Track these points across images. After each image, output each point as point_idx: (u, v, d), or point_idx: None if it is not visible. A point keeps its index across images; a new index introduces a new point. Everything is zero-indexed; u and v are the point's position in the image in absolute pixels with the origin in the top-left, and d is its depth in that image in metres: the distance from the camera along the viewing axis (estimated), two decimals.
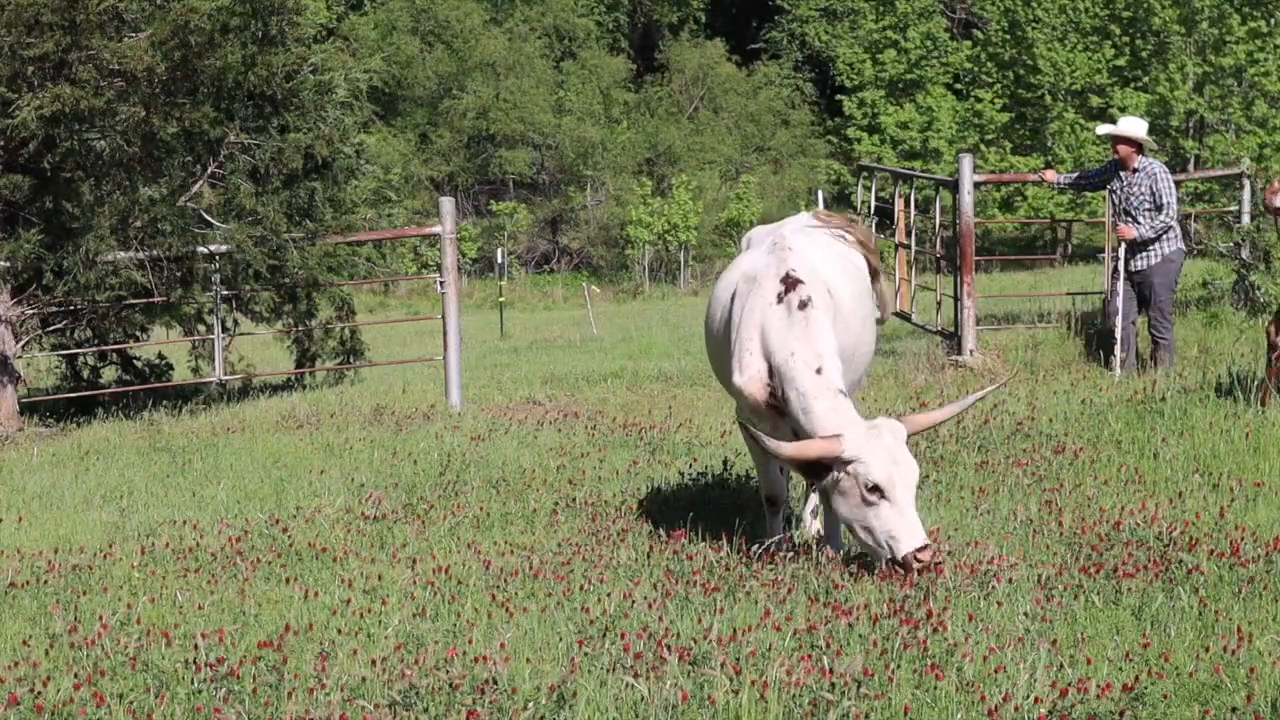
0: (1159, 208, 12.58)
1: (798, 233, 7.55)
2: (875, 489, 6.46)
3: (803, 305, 6.88)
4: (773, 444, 6.70)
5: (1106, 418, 10.11)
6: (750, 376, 6.94)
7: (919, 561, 6.35)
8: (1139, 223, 12.65)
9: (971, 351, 14.04)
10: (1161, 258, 12.68)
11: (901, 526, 6.43)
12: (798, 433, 6.80)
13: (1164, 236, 12.67)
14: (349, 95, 16.54)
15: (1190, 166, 38.24)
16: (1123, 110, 38.38)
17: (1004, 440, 9.90)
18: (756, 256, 7.36)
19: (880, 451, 6.49)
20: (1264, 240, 14.77)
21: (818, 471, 6.60)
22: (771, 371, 6.88)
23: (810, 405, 6.70)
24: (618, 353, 18.81)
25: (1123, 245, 12.76)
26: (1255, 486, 8.03)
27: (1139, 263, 12.73)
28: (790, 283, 6.95)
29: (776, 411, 6.92)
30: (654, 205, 48.24)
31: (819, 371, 6.74)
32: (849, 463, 6.49)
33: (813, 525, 7.69)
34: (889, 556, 6.46)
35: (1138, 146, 12.70)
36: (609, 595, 6.48)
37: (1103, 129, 13.15)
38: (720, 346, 7.40)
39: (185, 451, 11.50)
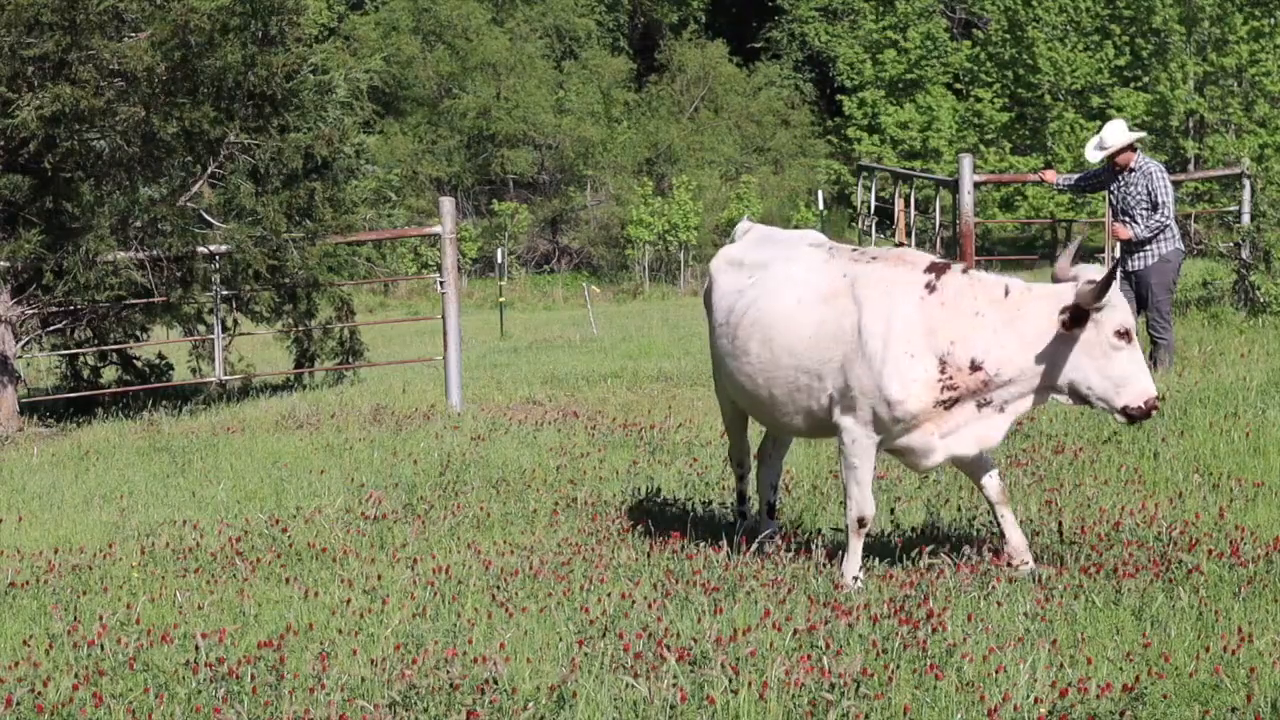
0: (1155, 207, 12.57)
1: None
2: (1124, 334, 6.56)
3: (949, 291, 6.78)
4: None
5: (1106, 418, 10.10)
6: (915, 379, 6.65)
7: (1150, 409, 6.58)
8: (1136, 222, 12.64)
9: None
10: (1159, 258, 12.67)
11: (1139, 373, 6.59)
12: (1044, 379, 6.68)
13: (1161, 236, 12.66)
14: (349, 95, 16.55)
15: (1190, 166, 38.23)
16: (1121, 110, 38.36)
17: (1003, 440, 9.89)
18: (823, 266, 7.05)
19: (1121, 298, 6.64)
20: (1264, 240, 14.77)
21: (1079, 320, 6.59)
22: (944, 366, 6.68)
23: (1029, 323, 6.64)
24: (618, 353, 18.80)
25: (1118, 245, 12.76)
26: (1255, 486, 8.04)
27: (1136, 262, 12.72)
28: (938, 268, 6.83)
29: (945, 406, 6.72)
30: (654, 205, 48.24)
31: (1007, 292, 6.73)
32: (1099, 310, 6.54)
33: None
34: (1117, 405, 6.60)
35: (1131, 148, 12.70)
36: (609, 595, 6.48)
37: (1094, 155, 12.83)
38: (802, 366, 6.96)
39: (185, 451, 11.50)
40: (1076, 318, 6.54)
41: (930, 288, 6.75)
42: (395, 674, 5.46)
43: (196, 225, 14.30)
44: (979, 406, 6.74)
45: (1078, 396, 6.71)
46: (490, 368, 17.41)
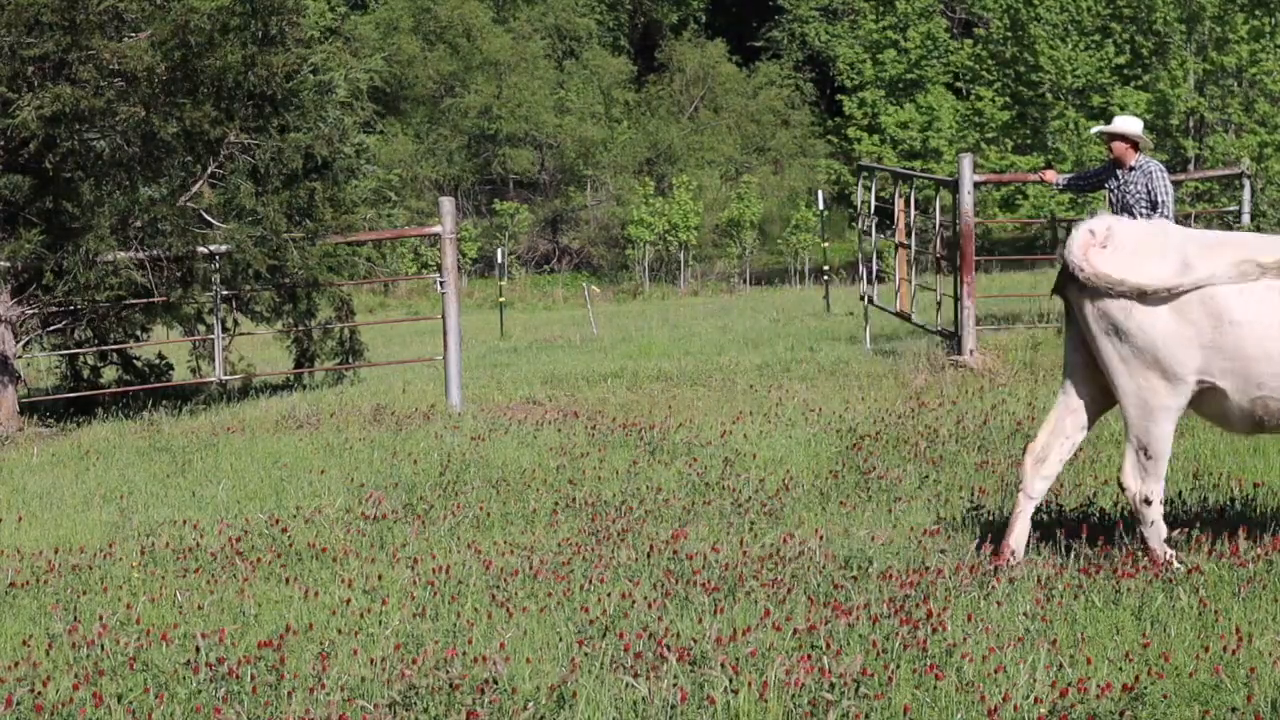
0: (1154, 206, 12.56)
1: None
2: None
3: None
4: None
5: (1106, 417, 10.09)
6: None
7: None
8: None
9: (971, 351, 14.04)
10: None
11: None
12: None
13: None
14: (349, 95, 16.55)
15: (1190, 166, 38.24)
16: (1122, 109, 38.37)
17: (1004, 440, 9.91)
18: None
19: None
20: None
21: None
22: None
23: None
24: (618, 353, 18.80)
25: None
26: (1255, 486, 8.04)
27: None
28: None
29: None
30: (654, 205, 48.26)
31: None
32: None
33: None
34: None
35: (1134, 144, 12.69)
36: (609, 595, 6.48)
37: (1098, 128, 13.12)
38: None
39: (185, 451, 11.50)
40: None
41: None
42: (395, 674, 5.46)
43: (196, 225, 14.29)
44: None
45: None
46: (490, 368, 17.41)
